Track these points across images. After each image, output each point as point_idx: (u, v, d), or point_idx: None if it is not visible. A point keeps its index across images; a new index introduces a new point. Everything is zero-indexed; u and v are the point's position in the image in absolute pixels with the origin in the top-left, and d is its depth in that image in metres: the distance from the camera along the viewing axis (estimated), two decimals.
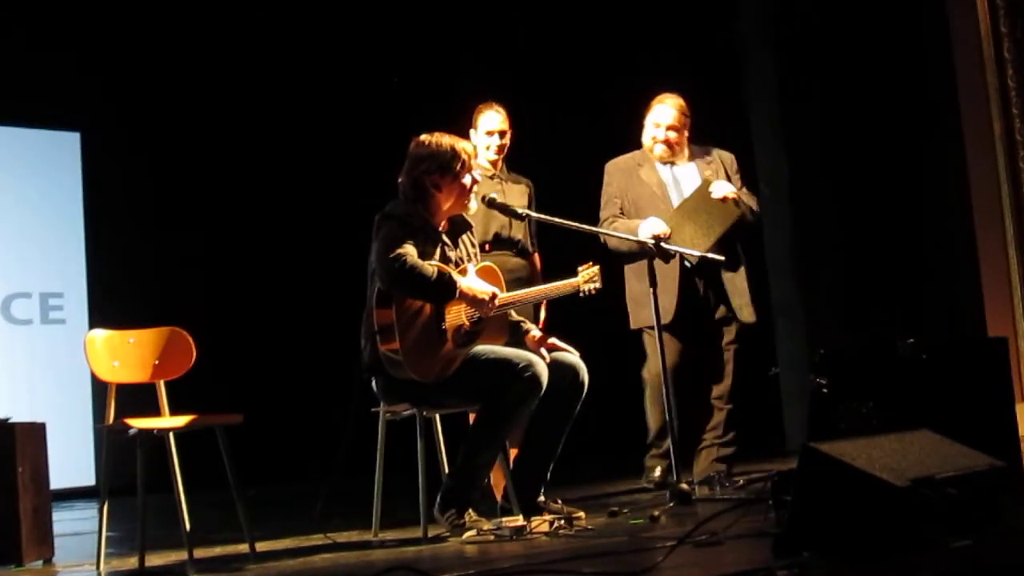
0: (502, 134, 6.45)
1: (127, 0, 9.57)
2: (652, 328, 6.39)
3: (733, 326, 6.54)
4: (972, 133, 8.67)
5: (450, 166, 5.42)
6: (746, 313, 6.51)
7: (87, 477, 9.21)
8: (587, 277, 5.71)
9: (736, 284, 6.50)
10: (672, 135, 6.54)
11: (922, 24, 8.97)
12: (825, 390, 4.72)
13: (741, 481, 6.34)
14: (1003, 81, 8.57)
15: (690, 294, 6.35)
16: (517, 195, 6.35)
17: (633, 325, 6.59)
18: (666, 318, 6.28)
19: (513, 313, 5.66)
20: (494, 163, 6.38)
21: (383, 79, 10.29)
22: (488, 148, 6.43)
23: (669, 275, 6.33)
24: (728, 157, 6.67)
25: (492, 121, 6.46)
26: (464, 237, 5.63)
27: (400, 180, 5.48)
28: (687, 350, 6.37)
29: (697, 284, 6.47)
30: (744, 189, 6.59)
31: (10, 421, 5.40)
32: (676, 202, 6.47)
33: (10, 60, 9.23)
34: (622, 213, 6.56)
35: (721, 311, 6.52)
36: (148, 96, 9.52)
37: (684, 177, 6.56)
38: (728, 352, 6.55)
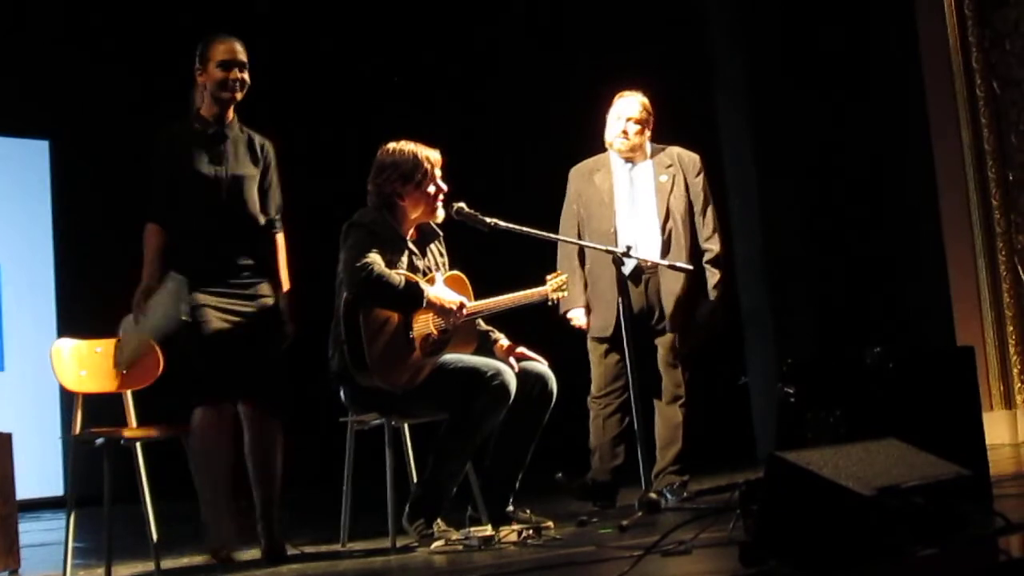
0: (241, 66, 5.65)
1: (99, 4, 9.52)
2: (596, 340, 6.40)
3: (668, 337, 6.41)
4: (941, 142, 8.71)
5: (411, 175, 5.43)
6: (681, 325, 6.37)
7: (55, 487, 9.16)
8: (555, 286, 5.71)
9: (675, 292, 6.36)
10: (633, 128, 6.43)
11: (891, 32, 9.01)
12: (793, 399, 4.71)
13: (684, 494, 6.29)
14: (971, 90, 8.61)
15: (629, 303, 6.01)
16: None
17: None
18: (607, 329, 6.29)
19: (481, 322, 5.66)
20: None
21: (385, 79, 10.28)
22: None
23: (606, 283, 6.24)
24: (691, 160, 6.52)
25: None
26: (432, 246, 5.63)
27: (368, 188, 5.49)
28: (630, 363, 5.92)
29: (635, 292, 6.32)
30: (710, 221, 6.49)
31: None
32: (625, 208, 6.40)
33: None
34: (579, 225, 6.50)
35: (657, 321, 6.41)
36: (118, 101, 9.48)
37: (639, 178, 6.47)
38: (666, 369, 6.43)
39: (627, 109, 6.46)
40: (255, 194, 5.45)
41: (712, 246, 6.44)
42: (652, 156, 6.51)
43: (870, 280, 8.95)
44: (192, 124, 5.43)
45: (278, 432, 5.31)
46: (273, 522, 5.27)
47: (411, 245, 5.50)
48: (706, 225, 6.45)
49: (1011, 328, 8.40)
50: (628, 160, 6.47)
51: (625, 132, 6.42)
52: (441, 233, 5.68)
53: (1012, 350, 8.36)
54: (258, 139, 5.55)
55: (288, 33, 9.96)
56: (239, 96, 5.45)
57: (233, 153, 5.42)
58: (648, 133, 6.50)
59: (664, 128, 6.60)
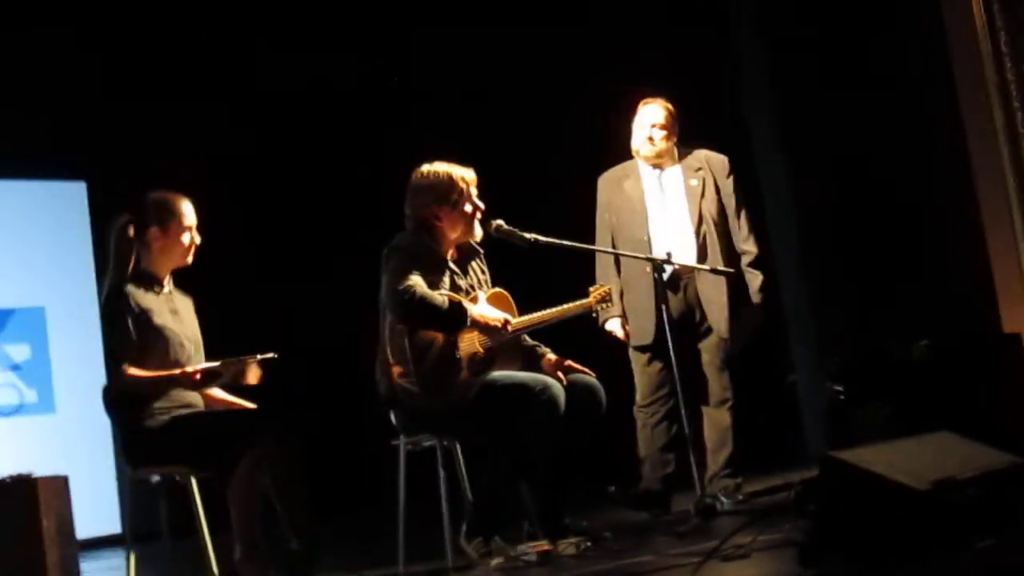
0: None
1: (134, 37, 9.57)
2: (637, 349, 6.40)
3: (712, 340, 6.39)
4: (974, 128, 8.67)
5: (447, 196, 5.46)
6: (724, 328, 6.34)
7: (112, 525, 9.20)
8: (598, 296, 5.72)
9: (715, 296, 6.34)
10: (660, 133, 6.42)
11: (917, 22, 8.98)
12: (842, 397, 4.72)
13: (740, 497, 6.29)
14: (1002, 75, 8.57)
15: (669, 310, 6.03)
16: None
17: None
18: (648, 338, 6.30)
19: (527, 338, 5.67)
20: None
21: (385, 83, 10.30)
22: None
23: (643, 291, 6.26)
24: (719, 161, 6.50)
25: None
26: (474, 264, 5.66)
27: (406, 212, 5.53)
28: (676, 369, 5.96)
29: (674, 298, 6.30)
30: (744, 223, 6.50)
31: (33, 476, 5.42)
32: (657, 214, 6.40)
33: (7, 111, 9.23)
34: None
35: (698, 325, 6.38)
36: (154, 141, 9.53)
37: (669, 183, 6.46)
38: (712, 373, 6.40)
39: (652, 116, 6.46)
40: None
41: (750, 248, 6.43)
42: (680, 160, 6.50)
43: (911, 271, 8.90)
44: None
45: None
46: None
47: (452, 265, 5.52)
48: (741, 227, 6.44)
49: None
50: (656, 166, 6.47)
51: (651, 139, 6.42)
52: (481, 251, 5.70)
53: None
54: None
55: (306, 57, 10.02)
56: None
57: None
58: (674, 138, 6.49)
59: (692, 130, 6.60)
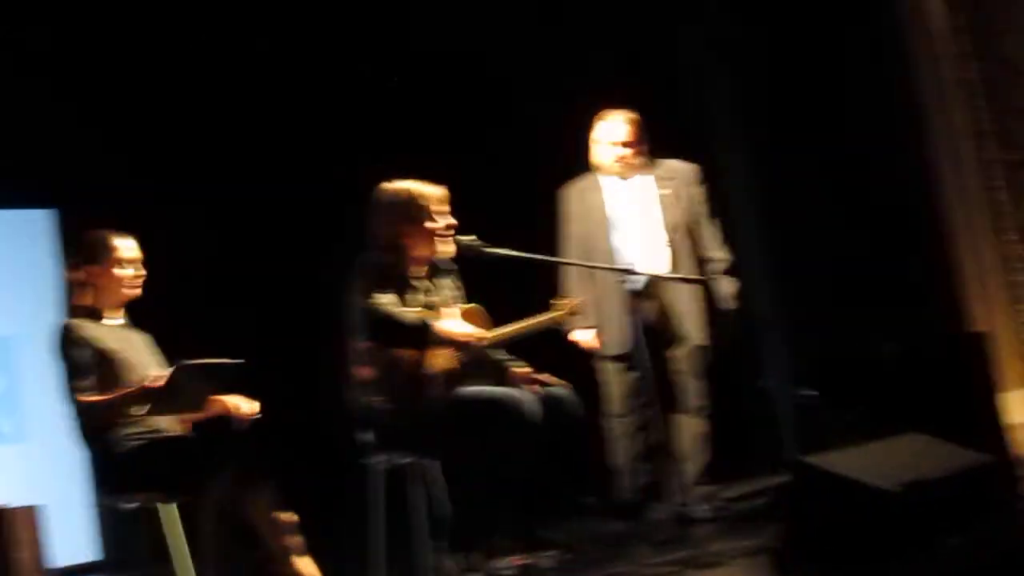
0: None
1: (103, 65, 9.54)
2: (612, 359, 6.40)
3: (685, 348, 6.38)
4: (939, 126, 8.71)
5: (407, 213, 5.47)
6: (697, 336, 6.35)
7: (87, 553, 9.17)
8: (568, 309, 5.74)
9: (688, 304, 6.36)
10: (628, 152, 6.41)
11: (881, 25, 9.02)
12: (812, 401, 4.75)
13: (716, 504, 6.29)
14: (965, 75, 8.61)
15: (642, 319, 5.97)
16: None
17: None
18: (622, 348, 6.27)
19: (500, 352, 5.67)
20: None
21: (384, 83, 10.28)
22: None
23: (615, 301, 6.20)
24: (689, 170, 6.52)
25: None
26: (446, 281, 5.66)
27: (371, 231, 5.53)
28: (650, 378, 5.90)
29: (647, 307, 6.27)
30: (715, 231, 6.51)
31: (3, 507, 5.41)
32: (623, 223, 6.40)
33: None
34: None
35: (671, 334, 6.38)
36: (126, 164, 9.50)
37: (640, 191, 6.46)
38: (688, 381, 6.39)
39: (616, 133, 6.45)
40: None
41: (720, 255, 6.44)
42: (651, 169, 6.50)
43: (879, 273, 8.93)
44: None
45: None
46: None
47: (422, 282, 5.52)
48: (712, 235, 6.46)
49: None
50: (622, 178, 6.47)
51: (622, 158, 6.42)
52: (455, 267, 5.70)
53: None
54: None
55: (287, 69, 9.99)
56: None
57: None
58: (644, 147, 6.47)
59: (659, 136, 6.58)
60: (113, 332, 5.25)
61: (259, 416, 5.15)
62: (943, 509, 3.62)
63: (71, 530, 8.80)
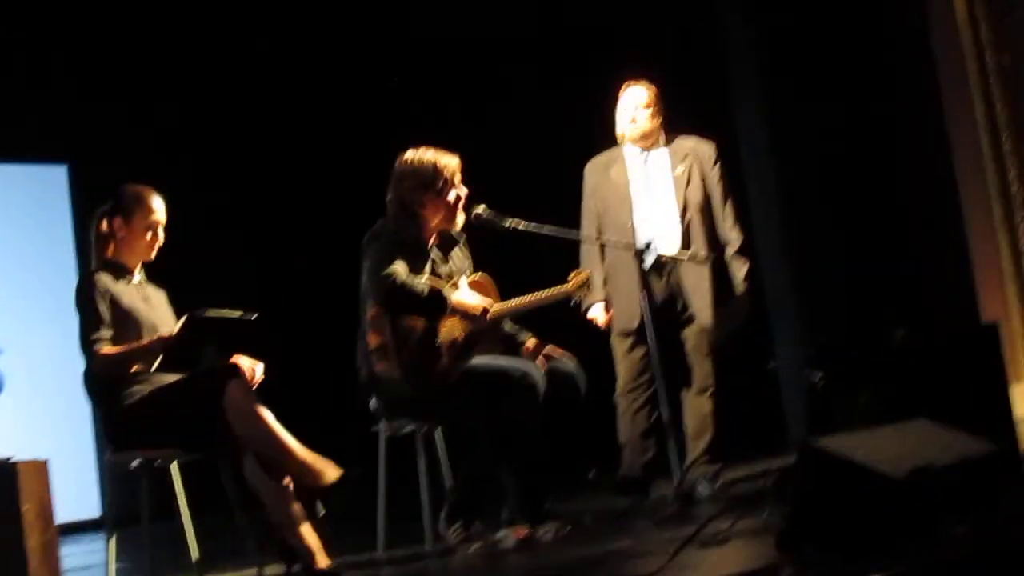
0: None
1: (112, 27, 9.53)
2: (620, 334, 6.40)
3: (694, 328, 6.35)
4: (954, 118, 8.71)
5: (432, 184, 5.47)
6: (705, 316, 6.30)
7: (93, 510, 9.21)
8: (578, 283, 5.74)
9: (698, 284, 6.31)
10: (644, 113, 6.38)
11: (901, 11, 9.00)
12: (821, 383, 4.74)
13: (719, 483, 6.29)
14: (982, 66, 8.61)
15: (652, 296, 6.13)
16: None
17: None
18: (631, 324, 6.26)
19: (508, 324, 5.68)
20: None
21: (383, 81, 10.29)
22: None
23: (627, 277, 6.22)
24: (707, 149, 6.47)
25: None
26: (455, 250, 5.66)
27: (388, 198, 5.53)
28: (657, 356, 6.00)
29: (657, 285, 6.30)
30: (730, 211, 6.49)
31: (11, 460, 5.41)
32: (642, 200, 6.37)
33: None
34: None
35: (680, 312, 6.35)
36: (139, 125, 9.51)
37: (655, 167, 6.42)
38: (696, 360, 6.37)
39: (635, 97, 6.42)
40: None
41: (735, 237, 6.41)
42: (667, 144, 6.47)
43: (892, 260, 8.93)
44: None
45: None
46: None
47: (434, 251, 5.53)
48: (727, 216, 6.43)
49: None
50: (643, 148, 6.44)
51: (634, 120, 6.40)
52: (463, 237, 5.71)
53: None
54: None
55: (292, 45, 10.00)
56: None
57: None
58: (660, 118, 6.45)
59: (678, 116, 6.57)
60: (133, 289, 5.26)
61: (263, 378, 5.14)
62: (948, 497, 3.62)
63: (75, 486, 8.86)
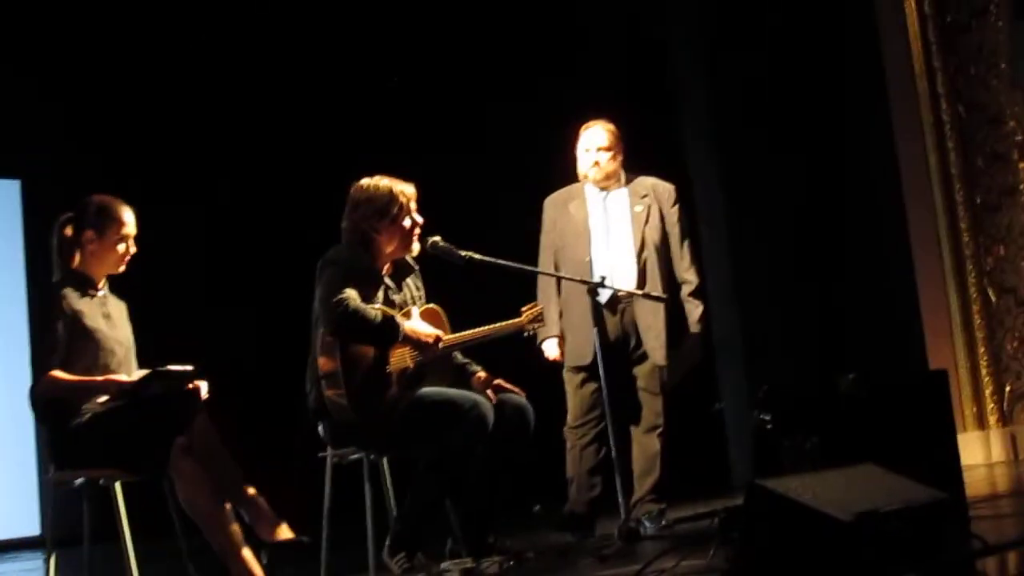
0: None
1: (70, 36, 9.49)
2: (572, 369, 6.40)
3: (646, 366, 6.39)
4: (908, 166, 8.78)
5: (386, 211, 5.46)
6: (658, 355, 6.34)
7: (32, 527, 9.11)
8: (530, 316, 5.74)
9: (652, 322, 6.34)
10: (604, 156, 6.42)
11: (856, 60, 9.08)
12: (769, 426, 4.75)
13: (663, 522, 6.29)
14: (937, 115, 8.69)
15: (605, 332, 6.18)
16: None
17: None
18: (583, 359, 6.27)
19: (458, 355, 5.67)
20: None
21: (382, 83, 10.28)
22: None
23: (581, 312, 6.21)
24: (666, 189, 6.52)
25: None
26: (409, 280, 5.66)
27: (343, 225, 5.52)
28: (607, 393, 5.98)
29: (611, 321, 6.34)
30: (687, 253, 6.50)
31: None
32: (601, 236, 6.41)
33: None
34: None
35: (633, 350, 6.39)
36: (96, 137, 9.45)
37: (614, 206, 6.46)
38: (645, 398, 6.40)
39: (595, 139, 6.46)
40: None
41: (691, 278, 6.45)
42: (627, 184, 6.50)
43: (841, 305, 8.99)
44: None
45: None
46: None
47: (387, 280, 5.52)
48: (684, 257, 6.46)
49: (982, 349, 8.47)
50: (603, 188, 6.48)
51: (597, 162, 6.43)
52: (417, 267, 5.70)
53: (984, 371, 8.42)
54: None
55: (260, 64, 9.97)
56: None
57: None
58: (619, 159, 6.49)
59: (633, 159, 6.61)
60: (97, 305, 5.22)
61: (208, 395, 5.13)
62: (895, 542, 3.62)
63: (13, 503, 8.78)
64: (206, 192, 9.77)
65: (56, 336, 5.05)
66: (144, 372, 5.17)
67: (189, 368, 5.10)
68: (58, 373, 5.01)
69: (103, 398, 5.08)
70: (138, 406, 5.00)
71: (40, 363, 5.07)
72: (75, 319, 5.10)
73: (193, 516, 4.87)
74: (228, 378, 5.48)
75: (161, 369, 5.06)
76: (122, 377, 5.12)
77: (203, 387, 5.14)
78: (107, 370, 5.13)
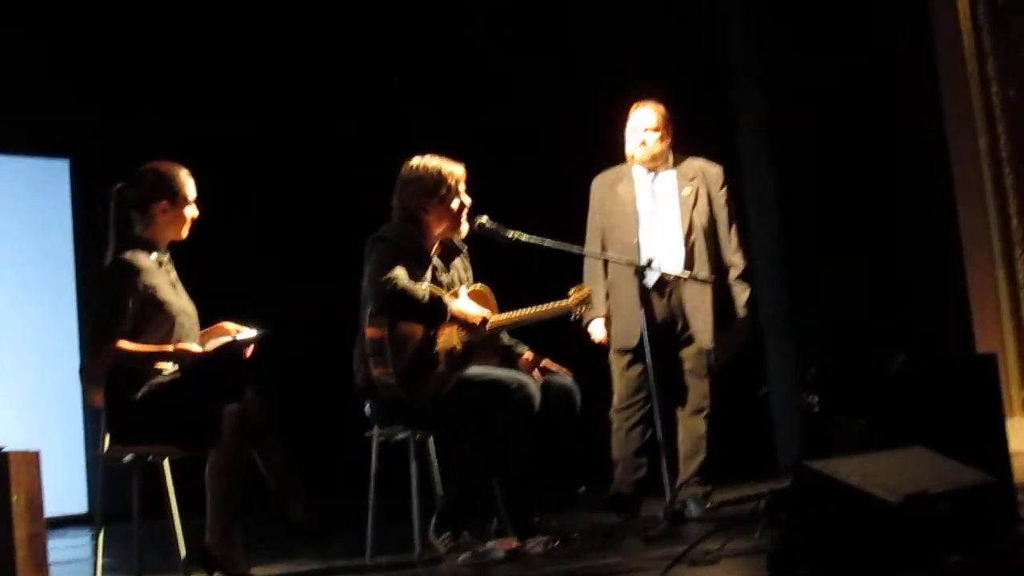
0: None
1: (116, 23, 9.54)
2: (618, 351, 6.41)
3: (693, 348, 6.38)
4: (957, 149, 8.73)
5: (435, 191, 5.47)
6: (705, 338, 6.33)
7: (80, 504, 9.19)
8: (578, 299, 5.74)
9: (699, 305, 6.33)
10: (652, 136, 6.41)
11: (907, 40, 9.03)
12: (817, 408, 4.74)
13: (709, 504, 6.28)
14: (987, 97, 8.63)
15: (652, 315, 6.16)
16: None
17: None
18: (630, 341, 6.27)
19: (506, 335, 5.68)
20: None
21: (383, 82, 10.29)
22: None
23: (628, 294, 6.21)
24: (714, 172, 6.49)
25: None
26: (457, 260, 5.67)
27: (392, 203, 5.53)
28: (653, 375, 5.96)
29: (658, 304, 6.33)
30: (735, 236, 6.49)
31: (4, 450, 5.39)
32: (648, 218, 6.39)
33: None
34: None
35: (680, 333, 6.37)
36: (142, 120, 9.49)
37: (662, 188, 6.45)
38: (692, 381, 6.39)
39: (644, 119, 6.45)
40: None
41: (738, 261, 6.43)
42: (675, 165, 6.48)
43: (890, 288, 8.95)
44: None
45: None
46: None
47: (436, 259, 5.53)
48: (731, 239, 6.43)
49: None
50: (651, 170, 6.46)
51: (644, 142, 6.42)
52: (465, 247, 5.71)
53: None
54: None
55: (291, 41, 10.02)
56: None
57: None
58: (668, 140, 6.47)
59: (683, 138, 6.59)
60: (164, 274, 5.21)
61: (261, 337, 5.14)
62: (943, 525, 3.61)
63: (62, 479, 8.85)
64: (252, 169, 9.81)
65: (122, 305, 5.03)
66: (221, 341, 5.19)
67: (264, 332, 5.13)
68: (125, 343, 5.01)
69: (170, 368, 5.10)
70: (194, 377, 5.02)
71: (104, 332, 5.06)
72: (150, 293, 5.09)
73: (208, 482, 4.89)
74: (277, 356, 5.49)
75: (240, 340, 5.09)
76: (195, 347, 5.12)
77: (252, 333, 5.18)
78: (179, 342, 5.14)
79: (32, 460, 5.53)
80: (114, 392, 5.06)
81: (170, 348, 5.05)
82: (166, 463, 5.24)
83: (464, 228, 5.58)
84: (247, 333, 5.16)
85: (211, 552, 4.87)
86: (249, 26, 9.85)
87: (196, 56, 9.77)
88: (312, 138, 10.00)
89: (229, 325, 5.31)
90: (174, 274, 5.32)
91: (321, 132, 10.01)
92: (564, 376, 5.59)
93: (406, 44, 10.20)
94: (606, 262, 6.37)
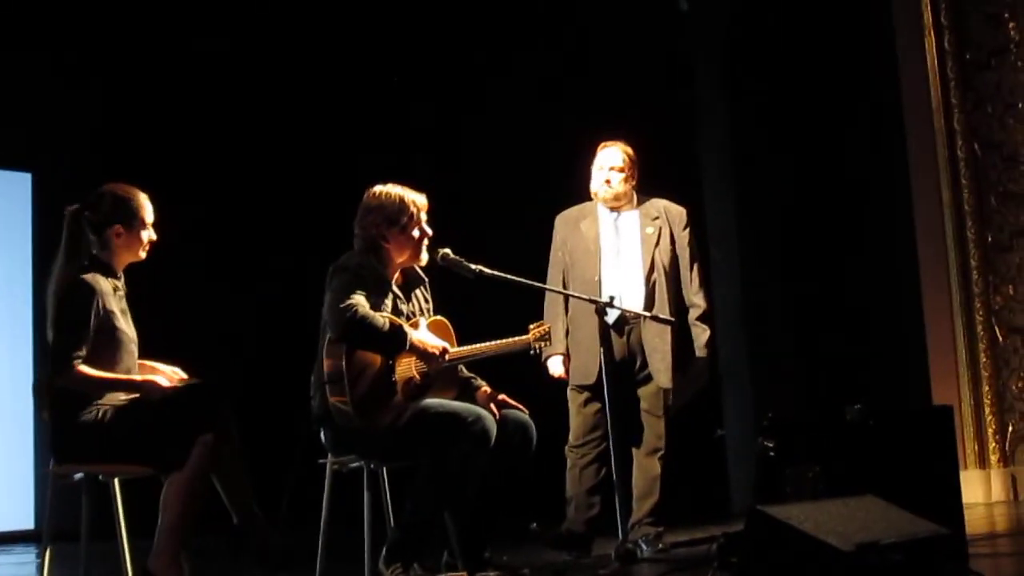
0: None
1: (81, 35, 9.51)
2: (576, 388, 6.40)
3: (651, 388, 6.38)
4: (921, 201, 8.79)
5: (397, 219, 5.46)
6: (663, 378, 6.33)
7: (27, 521, 9.10)
8: (538, 334, 5.73)
9: (659, 345, 6.34)
10: (617, 176, 6.43)
11: (875, 93, 9.08)
12: (772, 453, 4.74)
13: (660, 545, 6.26)
14: (953, 152, 8.70)
15: (611, 353, 6.09)
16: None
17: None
18: (588, 378, 6.27)
19: (463, 368, 5.66)
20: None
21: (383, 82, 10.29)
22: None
23: (588, 331, 6.22)
24: (678, 213, 6.52)
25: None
26: (417, 291, 5.65)
27: (355, 232, 5.51)
28: (610, 413, 5.89)
29: (618, 342, 6.31)
30: (696, 277, 6.49)
31: None
32: (611, 256, 6.41)
33: None
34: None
35: (638, 372, 6.38)
36: (106, 132, 9.46)
37: (625, 227, 6.47)
38: (648, 420, 6.39)
39: (610, 159, 6.48)
40: None
41: (699, 302, 6.45)
42: (638, 205, 6.51)
43: (848, 336, 8.98)
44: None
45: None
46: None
47: (396, 289, 5.51)
48: (692, 281, 6.46)
49: (987, 388, 8.47)
50: (614, 209, 6.48)
51: (608, 181, 6.44)
52: (426, 279, 5.69)
53: (987, 410, 8.43)
54: None
55: (261, 73, 10.00)
56: None
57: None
58: (632, 181, 6.50)
59: (647, 179, 6.61)
60: (117, 301, 5.17)
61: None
62: (894, 574, 3.61)
63: (7, 497, 8.78)
64: (213, 192, 9.78)
65: (85, 328, 4.97)
66: (191, 381, 5.17)
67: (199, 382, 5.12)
68: (87, 369, 4.95)
69: (123, 396, 5.05)
70: (165, 403, 4.99)
71: (65, 356, 4.99)
72: (107, 319, 5.04)
73: (166, 498, 4.86)
74: (230, 382, 5.46)
75: (212, 384, 5.05)
76: (163, 381, 5.09)
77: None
78: (125, 370, 5.10)
79: None
80: (62, 411, 5.01)
81: (138, 379, 5.01)
82: (116, 483, 5.18)
83: (424, 257, 5.56)
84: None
85: (153, 572, 4.83)
86: (213, 43, 9.82)
87: (162, 70, 9.74)
88: (268, 161, 9.98)
89: (164, 367, 5.27)
90: (124, 303, 5.27)
91: (277, 156, 9.99)
92: (521, 412, 5.57)
93: (348, 78, 10.20)
94: (567, 298, 6.38)
